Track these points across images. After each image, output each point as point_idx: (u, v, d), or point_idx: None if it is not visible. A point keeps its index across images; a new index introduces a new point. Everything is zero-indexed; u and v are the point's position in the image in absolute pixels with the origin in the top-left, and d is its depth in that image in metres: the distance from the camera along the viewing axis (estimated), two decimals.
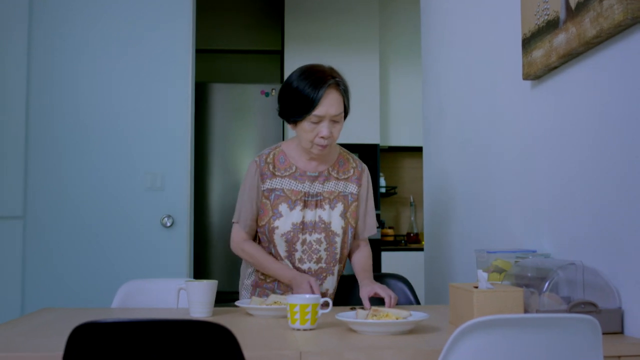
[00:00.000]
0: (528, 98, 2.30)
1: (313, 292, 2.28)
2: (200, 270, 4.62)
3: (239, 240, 2.54)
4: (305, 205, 2.47)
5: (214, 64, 5.68)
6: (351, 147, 5.28)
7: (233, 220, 2.55)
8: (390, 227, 5.53)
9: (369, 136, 5.09)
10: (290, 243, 2.45)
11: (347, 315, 1.91)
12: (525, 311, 1.80)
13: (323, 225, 2.46)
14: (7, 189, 3.62)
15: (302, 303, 1.90)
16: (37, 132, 3.67)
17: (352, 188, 2.52)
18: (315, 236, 2.46)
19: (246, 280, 2.60)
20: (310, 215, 2.47)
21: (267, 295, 2.48)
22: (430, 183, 3.59)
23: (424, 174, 3.67)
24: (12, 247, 3.60)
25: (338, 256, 2.50)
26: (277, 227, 2.44)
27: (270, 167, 2.51)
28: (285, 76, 5.07)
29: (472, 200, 2.88)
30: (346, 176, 2.54)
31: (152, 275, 3.47)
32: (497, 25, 2.59)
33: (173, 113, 3.74)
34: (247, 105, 4.87)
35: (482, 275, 1.90)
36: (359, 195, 2.54)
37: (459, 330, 1.36)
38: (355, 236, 2.58)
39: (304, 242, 2.46)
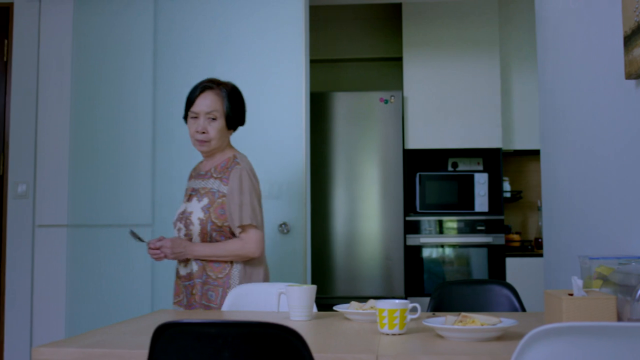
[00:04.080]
0: (632, 98, 2.20)
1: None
2: (320, 277, 4.72)
3: None
4: (188, 198, 2.88)
5: (335, 74, 5.78)
6: (473, 152, 5.24)
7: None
8: (517, 233, 5.40)
9: (491, 140, 5.00)
10: (175, 229, 2.87)
11: (434, 321, 1.91)
12: (619, 319, 1.74)
13: (186, 215, 2.81)
14: (138, 199, 3.87)
15: (390, 308, 1.92)
16: (162, 145, 3.90)
17: (219, 186, 2.81)
18: (181, 225, 2.82)
19: None
20: (186, 207, 2.85)
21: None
22: (547, 187, 3.48)
23: (541, 178, 3.57)
24: (143, 251, 3.83)
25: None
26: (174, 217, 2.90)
27: (192, 170, 3.04)
28: (406, 83, 5.10)
29: (582, 204, 2.78)
30: (220, 175, 2.84)
31: (269, 281, 3.58)
32: (600, 23, 2.50)
33: (289, 123, 3.85)
34: (367, 112, 4.92)
35: (577, 282, 1.85)
36: (226, 193, 2.78)
37: (527, 338, 1.34)
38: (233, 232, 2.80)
39: (179, 230, 2.84)
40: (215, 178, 2.84)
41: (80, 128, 3.99)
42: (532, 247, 5.34)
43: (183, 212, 2.86)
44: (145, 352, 1.57)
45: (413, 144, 5.03)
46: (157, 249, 2.80)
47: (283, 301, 2.39)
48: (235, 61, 3.90)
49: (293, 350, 1.42)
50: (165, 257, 2.81)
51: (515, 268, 4.85)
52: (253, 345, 1.42)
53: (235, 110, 2.89)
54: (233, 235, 2.80)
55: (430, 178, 5.06)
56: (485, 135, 5.03)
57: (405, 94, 5.07)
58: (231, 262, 2.79)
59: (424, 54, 5.12)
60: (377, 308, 1.94)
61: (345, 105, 4.97)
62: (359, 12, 5.71)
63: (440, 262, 4.90)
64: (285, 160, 3.82)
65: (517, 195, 5.41)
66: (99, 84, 3.92)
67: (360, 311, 2.23)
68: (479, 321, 1.82)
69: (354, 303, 2.33)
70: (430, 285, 4.81)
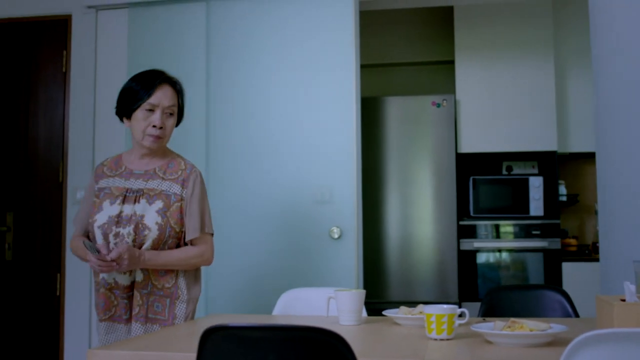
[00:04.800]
0: None
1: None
2: (373, 281, 4.71)
3: (71, 240, 2.74)
4: (124, 200, 2.56)
5: (387, 78, 5.78)
6: (528, 155, 5.17)
7: (73, 224, 2.73)
8: (573, 237, 5.29)
9: (546, 143, 4.92)
10: (105, 235, 2.51)
11: (483, 326, 1.90)
12: None
13: (135, 218, 2.51)
14: None
15: (438, 313, 1.92)
16: (215, 151, 3.96)
17: (176, 189, 2.59)
18: (127, 229, 2.50)
19: None
20: (128, 209, 2.54)
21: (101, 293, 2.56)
22: (603, 190, 3.41)
23: (597, 181, 3.50)
24: None
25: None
26: (95, 220, 2.54)
27: (105, 169, 2.68)
28: (459, 86, 5.07)
29: (638, 207, 2.72)
30: (172, 177, 2.62)
31: (321, 285, 3.60)
32: None
33: (340, 128, 3.86)
34: (419, 116, 4.90)
35: (629, 287, 1.81)
36: (184, 197, 2.58)
37: (573, 344, 1.32)
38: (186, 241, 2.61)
39: (117, 235, 2.50)
40: (166, 180, 2.60)
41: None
42: (590, 252, 5.23)
43: (124, 215, 2.52)
44: (194, 355, 1.61)
45: (466, 147, 4.99)
46: (113, 261, 2.38)
47: (333, 306, 2.40)
48: (285, 67, 3.94)
49: (338, 354, 1.43)
50: (117, 270, 2.45)
51: (572, 273, 4.76)
52: (298, 349, 1.44)
53: (183, 110, 2.71)
54: (184, 241, 2.60)
55: (483, 182, 5.01)
56: (540, 137, 4.96)
57: (457, 97, 5.03)
58: (177, 271, 2.57)
59: (476, 56, 5.08)
60: (425, 313, 1.94)
61: (397, 110, 4.97)
62: (409, 16, 5.70)
63: (494, 266, 4.84)
64: (336, 165, 3.83)
65: (573, 198, 5.31)
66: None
67: (409, 316, 2.23)
68: (528, 327, 1.80)
69: (403, 308, 2.32)
70: (484, 290, 4.76)
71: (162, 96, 2.58)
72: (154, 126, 2.56)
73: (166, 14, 4.09)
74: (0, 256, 4.21)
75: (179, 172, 2.63)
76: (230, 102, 3.99)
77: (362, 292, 2.33)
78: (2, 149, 4.28)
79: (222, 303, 3.83)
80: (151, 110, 2.57)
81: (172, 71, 4.07)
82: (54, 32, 4.29)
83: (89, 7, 4.20)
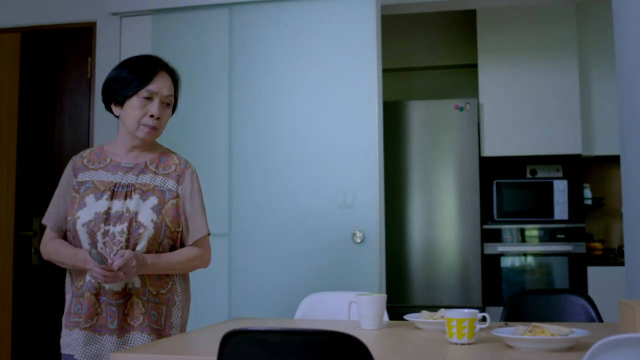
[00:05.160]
0: None
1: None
2: (396, 286, 4.70)
3: (45, 241, 2.37)
4: (113, 195, 2.30)
5: (409, 82, 5.77)
6: (552, 158, 5.13)
7: (42, 222, 2.40)
8: (599, 241, 5.24)
9: (571, 146, 4.88)
10: (92, 234, 2.25)
11: (504, 331, 1.89)
12: None
13: (128, 215, 2.27)
14: (215, 210, 3.96)
15: (459, 317, 1.91)
16: (237, 156, 3.98)
17: (170, 184, 2.37)
18: (119, 227, 2.25)
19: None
20: (118, 205, 2.29)
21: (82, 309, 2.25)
22: (628, 194, 3.38)
23: (622, 185, 3.47)
24: (220, 262, 3.92)
25: (144, 252, 2.27)
26: (79, 217, 2.27)
27: (85, 161, 2.40)
28: (482, 89, 5.04)
29: None
30: (166, 172, 2.39)
31: (344, 290, 3.60)
32: None
33: (362, 132, 3.86)
34: (442, 120, 4.88)
35: None
36: (180, 194, 2.37)
37: (593, 349, 1.32)
38: (185, 241, 2.39)
39: (106, 234, 2.25)
40: (159, 174, 2.38)
41: (160, 141, 4.11)
42: (616, 256, 5.18)
43: (113, 212, 2.28)
44: (214, 358, 1.62)
45: (489, 151, 4.96)
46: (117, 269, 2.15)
47: (355, 310, 2.41)
48: (307, 71, 3.95)
49: (357, 358, 1.43)
50: (124, 279, 2.21)
51: (598, 277, 4.71)
52: (317, 353, 1.44)
53: (177, 102, 2.48)
54: (180, 242, 2.40)
55: (507, 186, 4.98)
56: (565, 140, 4.92)
57: (480, 100, 5.01)
58: (172, 276, 2.37)
59: (499, 59, 5.05)
60: (446, 317, 1.94)
61: (419, 114, 4.96)
62: (431, 20, 5.69)
63: (518, 271, 4.81)
64: (358, 169, 3.84)
65: (599, 202, 5.26)
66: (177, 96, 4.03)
67: (431, 320, 2.22)
68: (549, 331, 1.79)
69: (424, 312, 2.32)
70: (508, 294, 4.73)
71: (161, 84, 2.35)
72: (151, 116, 2.33)
73: (189, 20, 4.13)
74: (26, 260, 4.27)
75: (173, 167, 2.42)
76: (253, 107, 4.01)
77: (383, 297, 2.34)
78: (28, 154, 4.34)
79: (245, 307, 3.85)
80: (149, 99, 2.33)
81: (195, 77, 4.14)
82: (79, 39, 4.35)
83: (113, 14, 4.25)
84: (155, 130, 2.36)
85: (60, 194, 2.40)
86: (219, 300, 3.90)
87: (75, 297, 2.29)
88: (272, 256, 3.86)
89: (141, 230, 2.26)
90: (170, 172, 2.40)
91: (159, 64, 2.38)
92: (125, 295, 2.26)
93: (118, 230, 2.25)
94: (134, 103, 2.32)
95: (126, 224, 2.26)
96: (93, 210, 2.27)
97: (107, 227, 2.26)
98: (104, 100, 2.42)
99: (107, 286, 2.23)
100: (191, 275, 2.52)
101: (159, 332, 2.29)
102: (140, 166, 2.38)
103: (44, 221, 2.40)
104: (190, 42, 4.10)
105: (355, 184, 3.84)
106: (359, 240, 3.77)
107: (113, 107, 2.40)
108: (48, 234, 2.38)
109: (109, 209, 2.28)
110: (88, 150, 2.46)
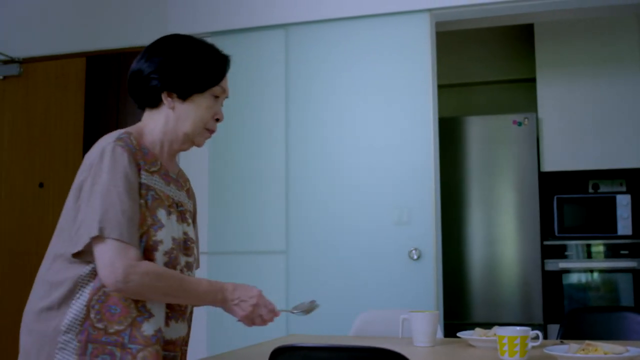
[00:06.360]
0: None
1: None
2: (455, 303, 4.66)
3: (133, 264, 1.60)
4: (181, 216, 1.82)
5: (466, 98, 5.73)
6: (615, 173, 5.02)
7: (107, 236, 1.59)
8: None
9: (634, 160, 4.75)
10: (172, 268, 1.72)
11: (557, 349, 1.87)
12: None
13: (193, 246, 1.84)
14: (272, 227, 4.01)
15: (511, 335, 1.90)
16: (294, 173, 4.03)
17: (189, 205, 1.91)
18: (191, 259, 1.83)
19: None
20: (190, 231, 1.85)
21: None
22: None
23: None
24: (278, 278, 3.97)
25: None
26: (160, 242, 1.68)
27: (139, 155, 1.74)
28: (540, 104, 4.97)
29: None
30: (186, 187, 1.93)
31: (400, 307, 3.59)
32: None
33: (418, 148, 3.87)
34: (500, 136, 4.84)
35: None
36: (194, 214, 1.95)
37: None
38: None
39: (186, 268, 1.78)
40: (182, 190, 1.90)
41: (218, 160, 4.19)
42: None
43: (188, 240, 1.83)
44: None
45: (549, 166, 4.89)
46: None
47: (408, 327, 2.41)
48: (363, 89, 3.98)
49: None
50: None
51: None
52: None
53: None
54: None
55: (568, 201, 4.90)
56: (628, 154, 4.81)
57: (539, 115, 4.95)
58: None
59: (558, 73, 4.99)
60: (498, 335, 1.93)
61: (477, 130, 4.92)
62: (487, 35, 5.65)
63: (580, 287, 4.71)
64: (414, 185, 3.84)
65: None
66: (235, 116, 4.11)
67: (483, 338, 2.21)
68: (603, 350, 1.76)
69: (478, 330, 2.31)
70: None
71: (226, 83, 1.91)
72: (216, 120, 1.87)
73: (246, 41, 4.22)
74: None
75: (185, 180, 1.95)
76: (309, 125, 4.06)
77: (435, 314, 2.33)
78: None
79: (302, 323, 3.88)
80: (217, 98, 1.87)
81: (251, 96, 4.22)
82: None
83: None
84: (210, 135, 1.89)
85: (131, 199, 1.64)
86: (281, 317, 3.94)
87: (129, 350, 1.62)
88: (329, 273, 3.89)
89: (194, 262, 1.87)
90: (188, 188, 1.96)
91: (227, 58, 1.93)
92: (177, 344, 1.80)
93: (190, 260, 1.82)
94: (204, 101, 1.83)
95: (192, 257, 1.84)
96: (169, 234, 1.72)
97: (186, 259, 1.79)
98: (159, 84, 1.80)
99: (178, 334, 1.80)
100: None
101: None
102: (179, 179, 1.90)
103: (110, 235, 1.58)
104: (247, 62, 4.18)
105: (412, 201, 3.84)
106: (415, 257, 3.76)
107: (166, 98, 1.81)
108: (130, 254, 1.61)
109: (185, 233, 1.81)
110: (131, 138, 1.75)
